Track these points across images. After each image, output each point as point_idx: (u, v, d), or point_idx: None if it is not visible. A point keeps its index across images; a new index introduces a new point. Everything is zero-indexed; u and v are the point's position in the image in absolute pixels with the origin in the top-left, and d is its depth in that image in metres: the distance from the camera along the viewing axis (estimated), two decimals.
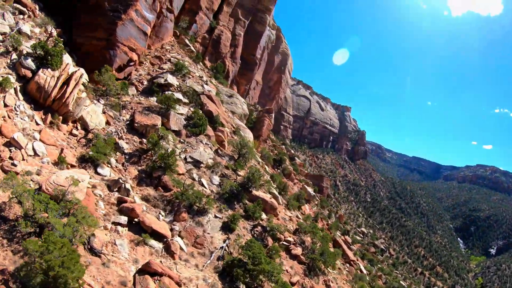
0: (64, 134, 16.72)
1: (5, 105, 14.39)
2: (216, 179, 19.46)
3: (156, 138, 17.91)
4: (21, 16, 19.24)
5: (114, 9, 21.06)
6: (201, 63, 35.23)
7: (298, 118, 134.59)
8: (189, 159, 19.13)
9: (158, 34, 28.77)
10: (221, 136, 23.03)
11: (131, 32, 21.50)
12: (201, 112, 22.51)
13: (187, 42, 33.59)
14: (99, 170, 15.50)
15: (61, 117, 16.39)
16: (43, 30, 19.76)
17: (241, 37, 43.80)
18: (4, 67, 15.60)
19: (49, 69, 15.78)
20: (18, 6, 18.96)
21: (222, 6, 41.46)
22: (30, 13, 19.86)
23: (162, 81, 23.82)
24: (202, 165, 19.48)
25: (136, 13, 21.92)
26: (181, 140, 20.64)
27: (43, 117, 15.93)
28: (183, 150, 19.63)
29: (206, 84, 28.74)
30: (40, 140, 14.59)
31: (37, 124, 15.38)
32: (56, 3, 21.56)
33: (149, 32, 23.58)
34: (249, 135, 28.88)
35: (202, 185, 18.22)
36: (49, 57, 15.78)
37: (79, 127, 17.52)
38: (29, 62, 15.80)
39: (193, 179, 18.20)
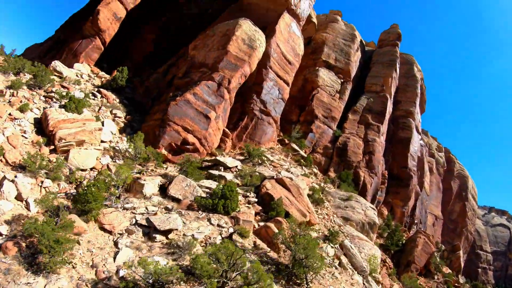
0: None
1: None
2: None
3: None
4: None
5: (175, 95, 20.37)
6: (313, 170, 28.46)
7: (499, 254, 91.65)
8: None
9: (252, 137, 25.76)
10: (272, 229, 13.48)
11: (186, 113, 19.33)
12: (231, 185, 14.81)
13: (295, 147, 28.67)
14: None
15: None
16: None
17: (376, 142, 35.51)
18: None
19: None
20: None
21: (346, 115, 36.82)
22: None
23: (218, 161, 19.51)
24: None
25: (195, 96, 20.15)
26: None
27: None
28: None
29: (287, 171, 21.15)
30: None
31: None
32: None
33: (213, 117, 20.58)
34: (374, 251, 16.93)
35: None
36: None
37: None
38: None
39: None
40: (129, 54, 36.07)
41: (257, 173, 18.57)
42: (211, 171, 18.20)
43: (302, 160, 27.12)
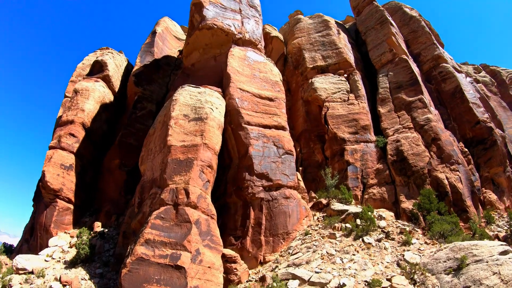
0: None
1: None
2: None
3: None
4: None
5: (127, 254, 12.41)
6: None
7: None
8: None
9: (274, 232, 16.85)
10: None
11: (146, 277, 11.21)
12: None
13: (338, 207, 19.08)
14: None
15: None
16: None
17: (431, 120, 24.62)
18: None
19: None
20: None
21: (377, 111, 26.99)
22: None
23: None
24: None
25: (148, 244, 12.09)
26: None
27: None
28: None
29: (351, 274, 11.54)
30: None
31: None
32: None
33: (187, 261, 12.12)
34: None
35: None
36: None
37: None
38: None
39: None
40: (102, 190, 29.92)
41: None
42: None
43: (359, 220, 17.32)
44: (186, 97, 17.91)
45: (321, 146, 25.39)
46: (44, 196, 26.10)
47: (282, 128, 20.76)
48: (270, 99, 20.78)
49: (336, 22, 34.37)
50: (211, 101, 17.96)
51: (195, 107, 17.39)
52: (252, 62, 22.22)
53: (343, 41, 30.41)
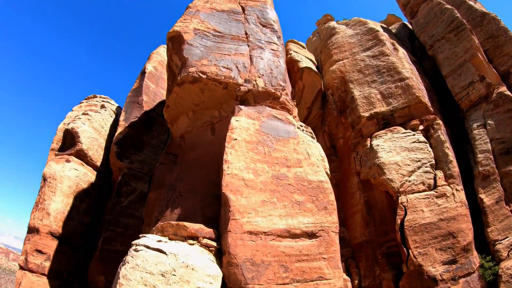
0: None
1: None
2: None
3: None
4: None
5: None
6: None
7: None
8: None
9: None
10: None
11: None
12: None
13: None
14: None
15: None
16: None
17: None
18: None
19: None
20: None
21: None
22: None
23: None
24: None
25: None
26: None
27: None
28: None
29: None
30: None
31: None
32: None
33: None
34: None
35: None
36: None
37: None
38: None
39: None
40: None
41: None
42: None
43: None
44: (144, 277, 8.13)
45: (393, 276, 14.25)
46: None
47: None
48: (309, 235, 10.27)
49: (383, 28, 22.34)
50: (193, 281, 7.96)
51: None
52: (273, 143, 11.86)
53: (406, 64, 18.64)
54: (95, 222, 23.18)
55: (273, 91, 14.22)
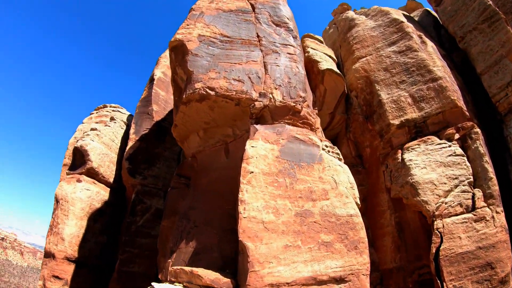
0: None
1: None
2: None
3: None
4: None
5: None
6: None
7: None
8: None
9: None
10: None
11: None
12: None
13: None
14: None
15: None
16: None
17: None
18: None
19: None
20: None
21: None
22: None
23: None
24: None
25: None
26: None
27: None
28: None
29: None
30: None
31: None
32: None
33: None
34: None
35: None
36: None
37: None
38: None
39: None
40: None
41: None
42: None
43: None
44: None
45: None
46: None
47: None
48: (337, 281, 8.70)
49: (406, 17, 19.53)
50: None
51: None
52: (295, 172, 10.10)
53: (437, 61, 16.08)
54: (111, 240, 22.37)
55: (292, 104, 12.37)
